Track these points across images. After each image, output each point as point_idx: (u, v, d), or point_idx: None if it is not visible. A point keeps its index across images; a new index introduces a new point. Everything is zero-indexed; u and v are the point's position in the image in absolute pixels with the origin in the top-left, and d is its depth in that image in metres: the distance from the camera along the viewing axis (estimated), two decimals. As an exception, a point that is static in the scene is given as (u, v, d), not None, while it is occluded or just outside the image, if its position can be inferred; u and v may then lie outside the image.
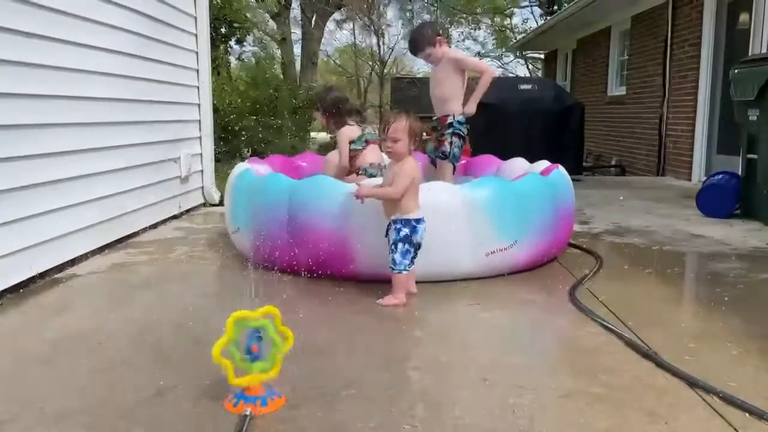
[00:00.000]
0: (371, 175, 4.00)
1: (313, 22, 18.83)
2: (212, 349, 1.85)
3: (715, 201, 5.17)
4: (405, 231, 2.85)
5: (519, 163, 4.24)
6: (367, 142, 4.17)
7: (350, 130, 4.18)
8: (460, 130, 4.09)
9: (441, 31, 4.18)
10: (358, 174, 4.08)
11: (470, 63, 4.26)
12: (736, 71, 5.14)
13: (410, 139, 2.85)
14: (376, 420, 1.81)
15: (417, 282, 3.03)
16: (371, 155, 4.14)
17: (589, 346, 2.40)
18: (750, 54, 6.24)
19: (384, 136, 2.86)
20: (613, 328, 2.53)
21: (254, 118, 10.46)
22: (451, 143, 4.09)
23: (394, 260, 2.85)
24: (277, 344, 1.87)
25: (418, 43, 4.10)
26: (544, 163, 3.95)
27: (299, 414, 1.85)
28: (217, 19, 9.77)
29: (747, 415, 1.82)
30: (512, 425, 1.80)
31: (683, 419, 1.83)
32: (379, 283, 3.03)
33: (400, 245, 2.84)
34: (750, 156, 5.02)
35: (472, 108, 4.07)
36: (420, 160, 3.57)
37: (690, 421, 1.82)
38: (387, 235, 2.93)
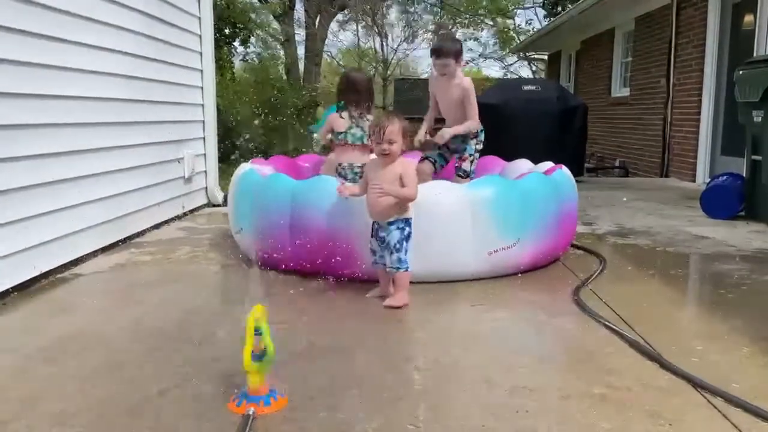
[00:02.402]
0: (344, 175, 3.94)
1: (316, 23, 18.86)
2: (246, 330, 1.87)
3: (719, 202, 5.16)
4: (408, 229, 2.89)
5: (523, 165, 4.23)
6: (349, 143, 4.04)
7: (335, 119, 4.05)
8: (481, 143, 4.11)
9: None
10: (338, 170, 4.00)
11: (471, 102, 4.01)
12: (740, 72, 5.13)
13: (403, 140, 2.90)
14: (378, 421, 1.81)
15: (419, 282, 3.03)
16: (348, 155, 4.02)
17: (593, 347, 2.40)
18: (755, 55, 6.23)
19: (378, 139, 2.86)
20: (617, 329, 2.53)
21: (258, 119, 10.48)
22: (472, 161, 4.09)
23: (399, 260, 2.85)
24: (270, 351, 1.87)
25: (450, 50, 3.97)
26: (547, 164, 3.94)
27: (302, 414, 1.85)
28: (221, 20, 9.79)
29: (760, 421, 1.80)
30: (514, 426, 1.79)
31: (688, 421, 1.82)
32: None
33: (404, 244, 2.87)
34: (754, 157, 5.00)
35: (446, 136, 4.00)
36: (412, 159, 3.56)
37: (694, 423, 1.81)
38: (378, 236, 2.92)
